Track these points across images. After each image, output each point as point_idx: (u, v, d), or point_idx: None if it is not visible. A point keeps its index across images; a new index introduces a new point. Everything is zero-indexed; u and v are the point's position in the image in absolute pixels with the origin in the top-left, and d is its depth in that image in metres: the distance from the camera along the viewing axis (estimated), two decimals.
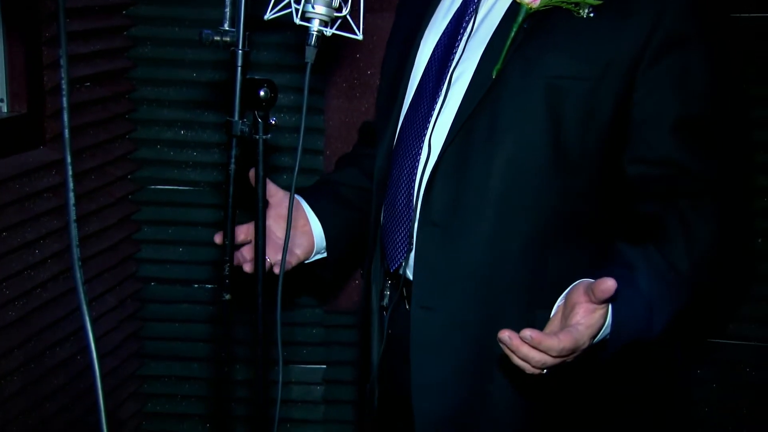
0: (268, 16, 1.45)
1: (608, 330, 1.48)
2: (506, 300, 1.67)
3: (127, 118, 2.93)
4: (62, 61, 0.96)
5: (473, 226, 1.66)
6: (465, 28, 1.72)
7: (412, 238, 1.73)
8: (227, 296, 1.41)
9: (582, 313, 1.43)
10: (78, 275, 1.01)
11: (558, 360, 1.42)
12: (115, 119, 2.85)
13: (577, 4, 1.56)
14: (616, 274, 1.44)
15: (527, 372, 1.45)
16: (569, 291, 1.50)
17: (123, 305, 2.93)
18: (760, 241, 2.74)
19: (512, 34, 1.60)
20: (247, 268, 1.76)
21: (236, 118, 1.38)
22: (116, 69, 2.83)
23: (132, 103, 2.94)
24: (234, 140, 1.38)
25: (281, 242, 1.72)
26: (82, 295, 1.01)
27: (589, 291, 1.40)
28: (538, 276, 1.65)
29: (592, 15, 1.56)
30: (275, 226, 1.84)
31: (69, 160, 0.95)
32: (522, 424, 1.72)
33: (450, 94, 1.69)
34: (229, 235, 1.40)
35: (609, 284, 1.37)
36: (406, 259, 1.75)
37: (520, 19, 1.60)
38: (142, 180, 3.00)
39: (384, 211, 1.83)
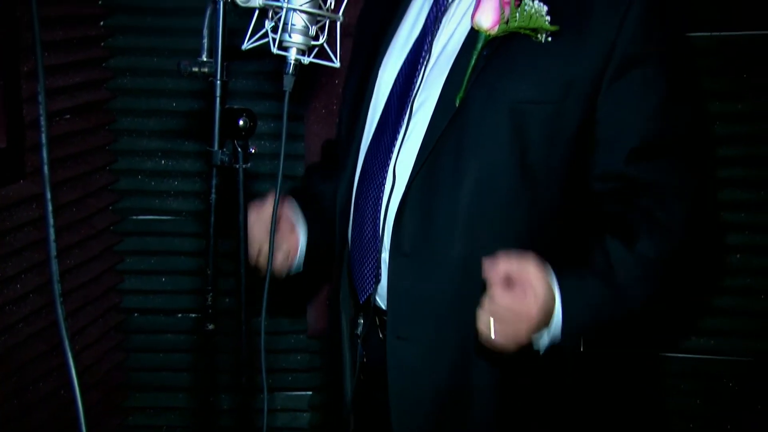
0: (245, 46, 1.46)
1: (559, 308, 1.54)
2: None
3: (107, 149, 2.93)
4: (40, 98, 0.97)
5: (444, 253, 1.66)
6: (425, 57, 1.73)
7: (380, 268, 1.73)
8: (211, 326, 1.42)
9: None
10: (59, 311, 1.01)
11: (504, 303, 1.48)
12: (96, 151, 2.85)
13: (534, 30, 1.57)
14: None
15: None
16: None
17: (106, 337, 2.91)
18: (739, 256, 2.78)
19: (473, 61, 1.61)
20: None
21: (216, 147, 1.38)
22: (96, 100, 2.84)
23: (112, 134, 2.93)
24: (214, 170, 1.39)
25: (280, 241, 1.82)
26: (63, 332, 1.01)
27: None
28: None
29: (550, 39, 1.58)
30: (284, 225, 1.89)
31: (48, 196, 0.95)
32: None
33: (413, 123, 1.69)
34: (211, 266, 1.40)
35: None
36: (375, 289, 1.76)
37: (479, 46, 1.61)
38: (124, 211, 3.00)
39: (350, 243, 1.83)
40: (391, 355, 1.72)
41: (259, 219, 1.79)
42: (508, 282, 1.49)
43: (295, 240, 1.92)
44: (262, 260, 1.81)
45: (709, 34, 2.70)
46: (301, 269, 1.97)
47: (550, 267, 1.55)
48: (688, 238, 1.64)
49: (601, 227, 1.65)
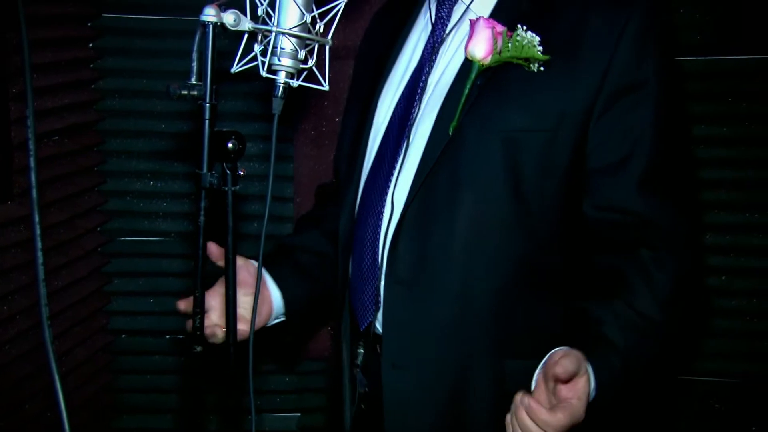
0: (234, 69, 1.47)
1: (593, 393, 1.50)
2: (476, 352, 1.67)
3: (96, 170, 2.93)
4: (29, 121, 0.97)
5: (440, 281, 1.67)
6: (422, 87, 1.74)
7: (380, 296, 1.74)
8: (199, 348, 1.42)
9: (567, 389, 1.42)
10: (47, 334, 1.01)
11: (542, 422, 1.40)
12: (84, 172, 2.85)
13: (527, 60, 1.59)
14: (584, 335, 1.52)
15: None
16: (545, 363, 1.50)
17: (94, 358, 2.90)
18: (724, 278, 2.79)
19: (466, 91, 1.63)
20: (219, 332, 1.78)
21: (205, 170, 1.39)
22: (85, 122, 2.84)
23: (101, 155, 2.94)
24: (203, 192, 1.39)
25: (242, 311, 1.77)
26: (51, 354, 1.01)
27: (554, 372, 1.40)
28: (507, 326, 1.66)
29: (542, 69, 1.59)
30: (239, 291, 1.84)
31: (37, 219, 0.96)
32: None
33: (409, 152, 1.71)
34: (200, 287, 1.41)
35: (557, 371, 1.38)
36: (375, 317, 1.76)
37: (473, 75, 1.63)
38: (112, 232, 2.99)
39: (351, 271, 1.84)
40: (387, 384, 1.72)
41: (215, 292, 1.81)
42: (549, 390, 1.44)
43: (267, 296, 1.92)
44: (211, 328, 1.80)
45: (694, 58, 2.73)
46: (284, 319, 1.97)
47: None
48: (682, 295, 1.65)
49: (598, 284, 1.66)
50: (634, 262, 1.62)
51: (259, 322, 1.90)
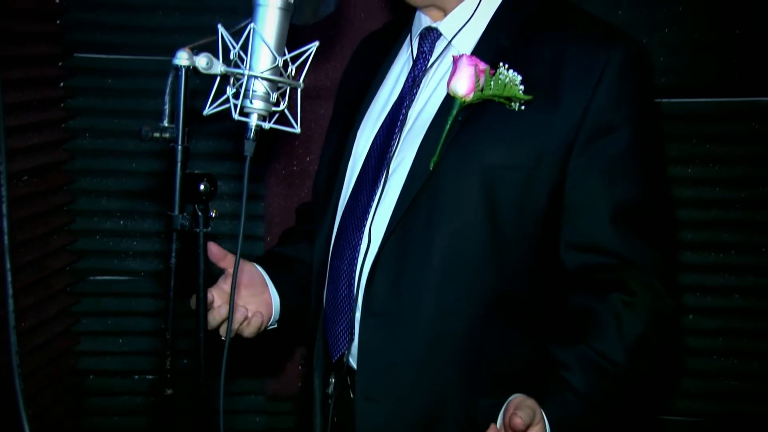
0: (207, 111, 1.47)
1: None
2: (449, 386, 1.67)
3: (65, 210, 2.92)
4: (1, 168, 0.97)
5: (414, 314, 1.67)
6: (402, 120, 1.76)
7: (354, 328, 1.74)
8: (169, 391, 1.41)
9: None
10: (18, 385, 1.01)
11: None
12: (54, 211, 2.84)
13: (508, 98, 1.61)
14: (548, 379, 1.54)
15: None
16: (505, 407, 1.53)
17: (62, 400, 2.87)
18: (691, 317, 2.83)
19: (447, 126, 1.65)
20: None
21: (176, 212, 1.38)
22: (54, 161, 2.83)
23: (70, 194, 2.93)
24: (174, 234, 1.39)
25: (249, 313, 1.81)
26: (21, 401, 1.00)
27: (512, 424, 1.43)
28: (479, 362, 1.67)
29: (523, 108, 1.61)
30: (244, 292, 1.86)
31: (8, 266, 0.96)
32: None
33: (388, 185, 1.72)
34: (170, 330, 1.40)
35: (515, 422, 1.42)
36: (349, 348, 1.76)
37: (454, 111, 1.65)
38: (82, 271, 2.98)
39: (325, 301, 1.84)
40: (359, 415, 1.72)
41: (219, 288, 1.81)
42: None
43: (267, 298, 1.92)
44: (215, 316, 1.79)
45: (660, 100, 2.78)
46: (276, 326, 1.97)
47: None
48: (652, 339, 1.64)
49: (568, 323, 1.67)
50: (604, 303, 1.62)
51: (256, 322, 1.87)
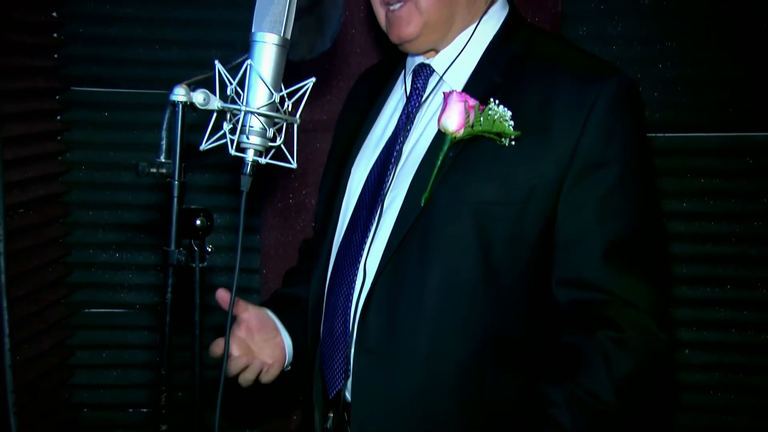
0: (203, 146, 1.47)
1: None
2: (443, 423, 1.66)
3: (61, 242, 2.91)
4: None
5: (408, 350, 1.66)
6: (397, 157, 1.77)
7: (350, 364, 1.73)
8: (164, 427, 1.40)
9: None
10: (12, 423, 1.00)
11: None
12: (49, 244, 2.84)
13: (498, 134, 1.62)
14: (536, 416, 1.54)
15: None
16: None
17: None
18: (687, 351, 2.83)
19: (438, 162, 1.65)
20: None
21: (172, 247, 1.38)
22: (50, 194, 2.84)
23: (66, 227, 2.93)
24: (170, 269, 1.39)
25: (264, 357, 1.83)
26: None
27: None
28: (473, 398, 1.66)
29: (513, 143, 1.62)
30: (249, 339, 1.85)
31: (5, 304, 0.95)
32: None
33: (383, 220, 1.72)
34: (166, 365, 1.39)
35: None
36: (345, 384, 1.75)
37: (445, 148, 1.65)
38: (77, 304, 2.97)
39: (322, 337, 1.84)
40: None
41: (235, 336, 1.82)
42: None
43: (280, 341, 1.92)
44: (233, 367, 1.81)
45: (654, 135, 2.80)
46: (290, 368, 1.96)
47: None
48: (642, 378, 1.63)
49: (558, 359, 1.66)
50: (593, 340, 1.61)
51: (278, 368, 1.90)
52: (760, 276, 2.82)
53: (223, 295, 1.76)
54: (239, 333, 1.82)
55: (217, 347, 1.76)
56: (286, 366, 1.94)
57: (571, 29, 2.83)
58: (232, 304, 1.57)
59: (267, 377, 1.86)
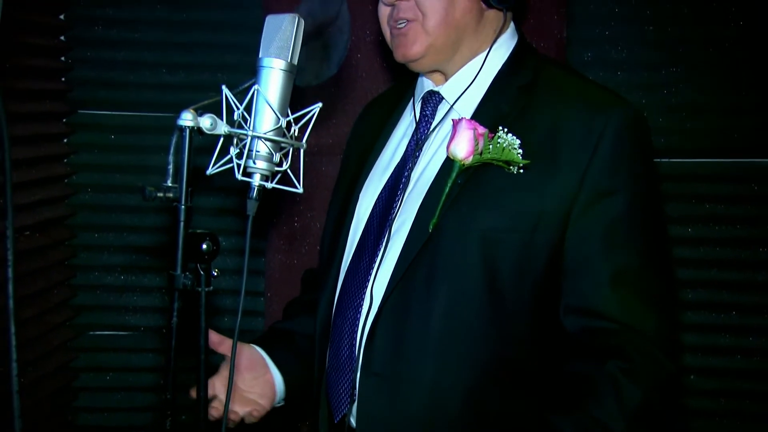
0: (210, 171, 1.48)
1: None
2: None
3: (66, 264, 2.92)
4: (9, 233, 0.98)
5: (414, 375, 1.66)
6: (405, 183, 1.78)
7: (355, 389, 1.73)
8: None
9: None
10: None
11: None
12: (55, 266, 2.84)
13: (507, 162, 1.63)
14: None
15: None
16: None
17: None
18: (693, 377, 2.81)
19: (447, 189, 1.66)
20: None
21: (179, 271, 1.38)
22: (56, 217, 2.84)
23: (71, 249, 2.93)
24: (176, 294, 1.39)
25: (245, 394, 1.86)
26: None
27: None
28: (478, 424, 1.66)
29: (522, 171, 1.62)
30: (237, 378, 1.87)
31: (12, 329, 0.96)
32: None
33: (390, 246, 1.73)
34: (171, 389, 1.39)
35: None
36: (350, 409, 1.75)
37: (454, 174, 1.66)
38: (81, 326, 2.97)
39: (328, 361, 1.84)
40: None
41: (222, 376, 1.83)
42: None
43: (269, 378, 1.93)
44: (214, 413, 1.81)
45: (659, 160, 2.80)
46: (283, 403, 1.97)
47: None
48: (651, 408, 1.62)
49: (567, 389, 1.66)
50: (604, 370, 1.60)
51: (267, 406, 1.92)
52: (765, 302, 2.82)
53: (213, 338, 1.77)
54: (226, 373, 1.82)
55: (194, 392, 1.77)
56: (278, 402, 1.96)
57: (575, 55, 2.83)
58: (237, 329, 1.56)
59: (253, 419, 1.89)
